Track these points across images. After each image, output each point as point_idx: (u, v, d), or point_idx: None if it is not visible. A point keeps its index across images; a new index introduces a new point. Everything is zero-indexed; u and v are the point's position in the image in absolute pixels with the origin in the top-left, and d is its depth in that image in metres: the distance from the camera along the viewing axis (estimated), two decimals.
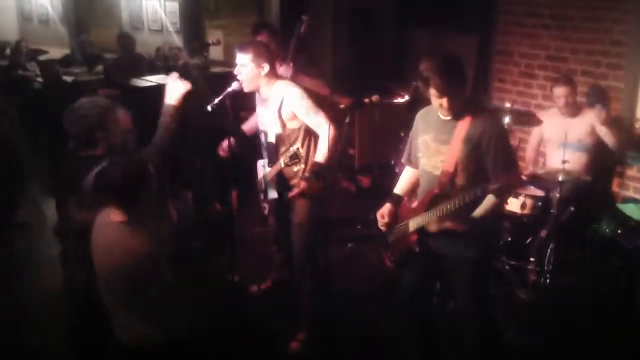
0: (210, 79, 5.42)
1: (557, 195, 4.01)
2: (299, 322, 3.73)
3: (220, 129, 3.83)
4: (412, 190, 3.15)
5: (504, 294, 4.05)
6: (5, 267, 4.72)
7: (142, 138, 3.28)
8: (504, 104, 4.50)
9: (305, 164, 3.42)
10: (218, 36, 6.81)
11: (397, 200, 3.11)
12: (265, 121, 3.53)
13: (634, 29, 4.53)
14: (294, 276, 3.77)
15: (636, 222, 3.69)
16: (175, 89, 3.05)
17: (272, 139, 3.49)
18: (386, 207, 3.08)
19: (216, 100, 3.44)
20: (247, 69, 3.33)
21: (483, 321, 3.01)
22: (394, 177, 3.45)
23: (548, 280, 4.07)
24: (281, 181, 3.52)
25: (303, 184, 3.35)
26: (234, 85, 3.43)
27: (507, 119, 4.23)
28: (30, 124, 6.57)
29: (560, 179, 3.99)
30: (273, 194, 3.59)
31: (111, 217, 2.52)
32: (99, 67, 7.66)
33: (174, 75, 3.13)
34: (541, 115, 4.59)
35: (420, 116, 3.00)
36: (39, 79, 7.36)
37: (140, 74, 6.40)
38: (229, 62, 4.41)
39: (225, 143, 3.85)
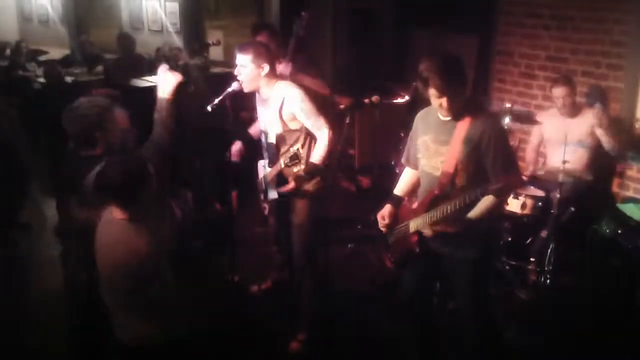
0: (210, 80, 5.42)
1: (558, 195, 4.01)
2: (299, 323, 3.73)
3: (220, 129, 3.83)
4: (412, 191, 3.15)
5: (504, 294, 4.05)
6: (6, 267, 4.72)
7: (142, 138, 3.28)
8: (504, 104, 4.50)
9: (306, 165, 3.42)
10: (218, 37, 6.83)
11: (397, 202, 3.11)
12: (266, 121, 3.53)
13: (634, 29, 4.53)
14: (294, 276, 3.77)
15: (636, 223, 3.69)
16: (166, 81, 2.96)
17: (272, 139, 3.50)
18: (387, 209, 3.08)
19: (216, 101, 3.44)
20: (247, 69, 3.33)
21: (483, 321, 3.01)
22: (394, 178, 3.45)
23: (548, 281, 4.07)
24: (281, 182, 3.52)
25: (293, 183, 3.36)
26: (234, 86, 3.43)
27: (507, 119, 4.24)
28: (30, 124, 6.56)
29: (560, 179, 3.99)
30: (273, 195, 3.59)
31: (114, 215, 2.52)
32: (99, 68, 7.67)
33: (164, 67, 3.04)
34: (541, 115, 4.60)
35: (420, 117, 3.00)
36: (40, 80, 7.36)
37: (140, 74, 6.40)
38: (229, 62, 4.41)
39: (235, 147, 3.86)
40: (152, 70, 6.89)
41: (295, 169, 3.38)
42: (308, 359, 3.63)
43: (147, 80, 6.07)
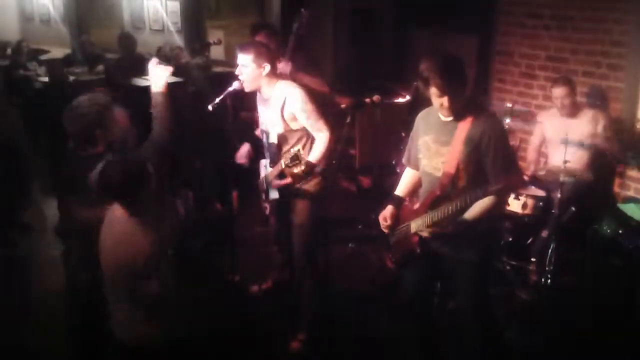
0: (211, 79, 5.42)
1: (559, 195, 4.01)
2: (299, 322, 3.73)
3: (220, 129, 3.83)
4: (413, 192, 3.14)
5: (504, 294, 4.04)
6: (6, 267, 4.72)
7: (142, 138, 3.28)
8: (505, 104, 4.50)
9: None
10: (219, 36, 6.81)
11: (398, 202, 3.10)
12: (267, 121, 3.53)
13: (634, 29, 4.53)
14: (294, 276, 3.76)
15: (637, 223, 3.69)
16: (157, 75, 2.96)
17: (273, 139, 3.49)
18: (388, 210, 3.07)
19: (217, 100, 3.44)
20: (248, 69, 3.33)
21: (483, 321, 3.01)
22: (394, 178, 3.45)
23: (549, 281, 4.07)
24: None
25: (289, 179, 3.36)
26: (235, 85, 3.43)
27: (507, 119, 4.24)
28: (31, 124, 6.56)
29: (561, 179, 3.99)
30: (274, 195, 3.59)
31: (117, 213, 2.52)
32: (100, 67, 7.66)
33: (154, 61, 3.02)
34: (541, 115, 4.59)
35: (421, 117, 3.00)
36: (42, 79, 7.36)
37: (141, 74, 6.38)
38: (230, 61, 4.40)
39: (243, 149, 3.85)
40: None
41: (295, 170, 3.38)
42: (308, 359, 3.63)
43: (148, 80, 6.06)
